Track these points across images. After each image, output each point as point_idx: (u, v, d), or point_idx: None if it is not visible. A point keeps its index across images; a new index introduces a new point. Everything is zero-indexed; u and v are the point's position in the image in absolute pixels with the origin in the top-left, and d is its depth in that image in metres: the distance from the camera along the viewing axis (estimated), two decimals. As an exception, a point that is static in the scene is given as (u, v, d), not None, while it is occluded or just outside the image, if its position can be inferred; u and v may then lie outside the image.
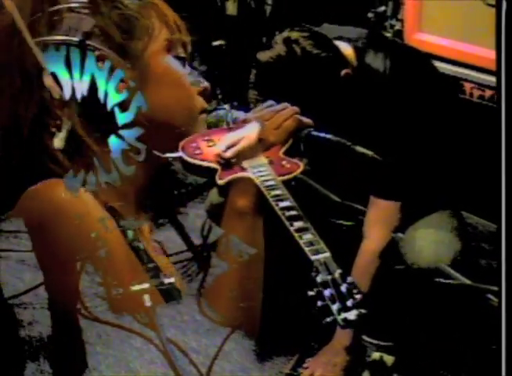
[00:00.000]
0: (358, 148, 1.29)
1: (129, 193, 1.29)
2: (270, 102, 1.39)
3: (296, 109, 1.36)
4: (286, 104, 1.36)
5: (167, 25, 1.28)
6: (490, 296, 1.16)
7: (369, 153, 1.28)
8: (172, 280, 1.31)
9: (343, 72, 2.17)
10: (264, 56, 2.19)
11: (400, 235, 2.21)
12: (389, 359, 2.19)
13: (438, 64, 2.53)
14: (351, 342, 2.07)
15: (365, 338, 2.31)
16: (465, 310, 1.93)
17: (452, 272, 1.30)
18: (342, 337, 2.06)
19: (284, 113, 1.35)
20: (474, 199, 2.51)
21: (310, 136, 1.28)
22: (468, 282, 1.13)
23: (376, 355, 2.20)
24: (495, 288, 1.07)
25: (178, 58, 1.30)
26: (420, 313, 2.21)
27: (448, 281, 1.14)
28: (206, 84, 1.32)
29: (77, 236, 1.18)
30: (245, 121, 1.34)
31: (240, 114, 1.37)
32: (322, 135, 1.28)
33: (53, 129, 1.21)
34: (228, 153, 1.30)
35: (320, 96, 2.18)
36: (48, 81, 1.19)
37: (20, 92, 1.22)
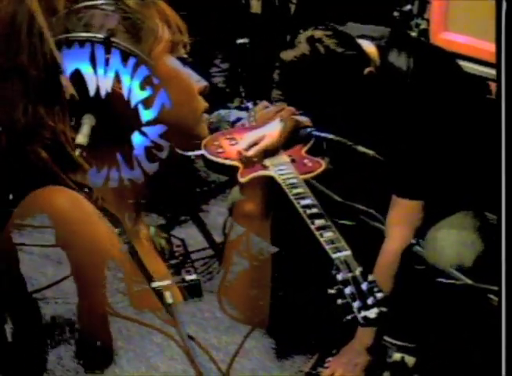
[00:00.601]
0: (360, 148, 1.28)
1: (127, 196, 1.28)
2: (265, 103, 1.39)
3: (292, 109, 1.36)
4: (282, 105, 1.36)
5: (168, 25, 1.26)
6: (491, 296, 1.15)
7: (370, 152, 1.28)
8: (194, 276, 1.32)
9: (366, 70, 2.16)
10: (287, 55, 2.19)
11: (418, 248, 2.18)
12: (410, 360, 2.18)
13: (464, 64, 2.51)
14: (372, 343, 2.05)
15: (386, 338, 2.30)
16: (475, 311, 1.91)
17: (455, 272, 1.27)
18: (363, 337, 2.05)
19: (281, 115, 1.35)
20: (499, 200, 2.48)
21: (311, 136, 1.28)
22: (470, 282, 1.12)
23: (397, 356, 2.19)
24: (497, 288, 1.06)
25: (179, 59, 1.29)
26: (440, 315, 2.19)
27: (450, 281, 1.13)
28: (205, 83, 1.31)
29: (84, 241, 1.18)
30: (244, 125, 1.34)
31: (239, 115, 1.36)
32: (323, 135, 1.28)
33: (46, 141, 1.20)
34: (251, 152, 1.30)
35: (344, 95, 2.17)
36: (63, 80, 1.18)
37: (20, 96, 1.20)
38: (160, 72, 1.24)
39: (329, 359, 2.03)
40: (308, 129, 1.29)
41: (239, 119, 1.34)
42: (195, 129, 1.29)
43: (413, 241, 1.29)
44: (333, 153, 1.24)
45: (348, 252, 1.04)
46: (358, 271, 1.00)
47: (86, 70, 1.21)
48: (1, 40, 1.20)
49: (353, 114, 2.18)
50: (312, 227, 1.10)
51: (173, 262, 1.32)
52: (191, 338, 1.25)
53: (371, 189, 2.30)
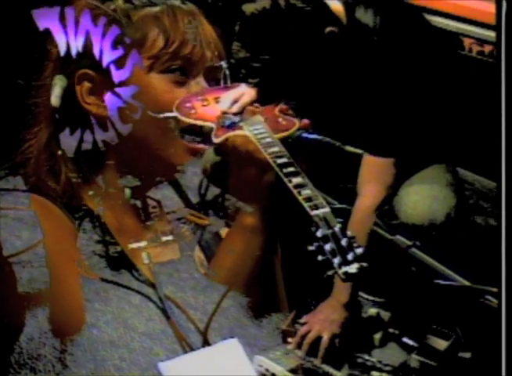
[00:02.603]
0: (348, 147, 1.28)
1: None
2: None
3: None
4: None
5: (165, 37, 1.24)
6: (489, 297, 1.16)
7: (359, 151, 1.28)
8: (170, 237, 1.32)
9: (327, 30, 2.14)
10: (249, 7, 2.16)
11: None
12: (386, 316, 2.21)
13: (436, 19, 2.50)
14: (348, 299, 2.07)
15: (362, 294, 2.32)
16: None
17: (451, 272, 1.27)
18: (339, 294, 2.07)
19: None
20: (471, 156, 2.51)
21: (300, 138, 1.27)
22: (467, 283, 1.13)
23: (373, 311, 2.22)
24: (495, 289, 1.07)
25: (171, 70, 1.26)
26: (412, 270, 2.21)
27: (446, 283, 1.13)
28: None
29: None
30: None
31: None
32: (312, 136, 1.27)
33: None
34: (235, 109, 1.29)
35: (303, 52, 2.16)
36: None
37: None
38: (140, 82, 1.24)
39: (306, 316, 2.05)
40: (297, 132, 1.27)
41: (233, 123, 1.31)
42: (168, 149, 1.27)
43: (409, 243, 1.26)
44: (321, 155, 1.23)
45: (327, 209, 1.04)
46: (337, 227, 1.00)
47: (56, 30, 1.19)
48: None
49: (312, 71, 2.17)
50: (290, 185, 1.10)
51: (149, 223, 1.32)
52: (168, 298, 1.26)
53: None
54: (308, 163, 1.17)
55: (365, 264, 0.96)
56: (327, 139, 1.24)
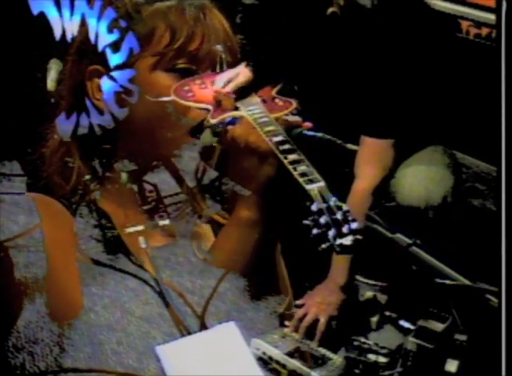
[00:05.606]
0: (349, 145, 1.28)
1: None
2: None
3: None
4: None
5: (172, 33, 1.24)
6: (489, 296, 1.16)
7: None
8: (167, 222, 1.32)
9: (329, 11, 2.14)
10: None
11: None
12: (383, 299, 2.21)
13: (434, 1, 2.49)
14: (345, 281, 2.07)
15: (359, 277, 2.32)
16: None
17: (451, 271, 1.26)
18: (336, 276, 2.06)
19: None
20: (468, 139, 2.50)
21: (302, 135, 1.26)
22: (467, 282, 1.12)
23: (369, 294, 2.22)
24: (495, 289, 1.07)
25: (176, 70, 1.26)
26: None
27: (445, 281, 1.12)
28: None
29: None
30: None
31: None
32: (314, 134, 1.27)
33: None
34: (228, 88, 1.28)
35: (307, 36, 2.15)
36: None
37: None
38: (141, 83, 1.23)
39: (302, 298, 2.04)
40: (299, 129, 1.27)
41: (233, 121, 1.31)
42: (162, 133, 1.27)
43: (410, 241, 1.25)
44: (322, 152, 1.22)
45: (322, 183, 1.04)
46: (332, 201, 1.01)
47: (51, 13, 1.18)
48: None
49: (317, 56, 2.16)
50: (285, 162, 1.10)
51: (146, 207, 1.32)
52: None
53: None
54: (309, 160, 1.17)
55: (360, 237, 0.96)
56: (328, 137, 1.24)
